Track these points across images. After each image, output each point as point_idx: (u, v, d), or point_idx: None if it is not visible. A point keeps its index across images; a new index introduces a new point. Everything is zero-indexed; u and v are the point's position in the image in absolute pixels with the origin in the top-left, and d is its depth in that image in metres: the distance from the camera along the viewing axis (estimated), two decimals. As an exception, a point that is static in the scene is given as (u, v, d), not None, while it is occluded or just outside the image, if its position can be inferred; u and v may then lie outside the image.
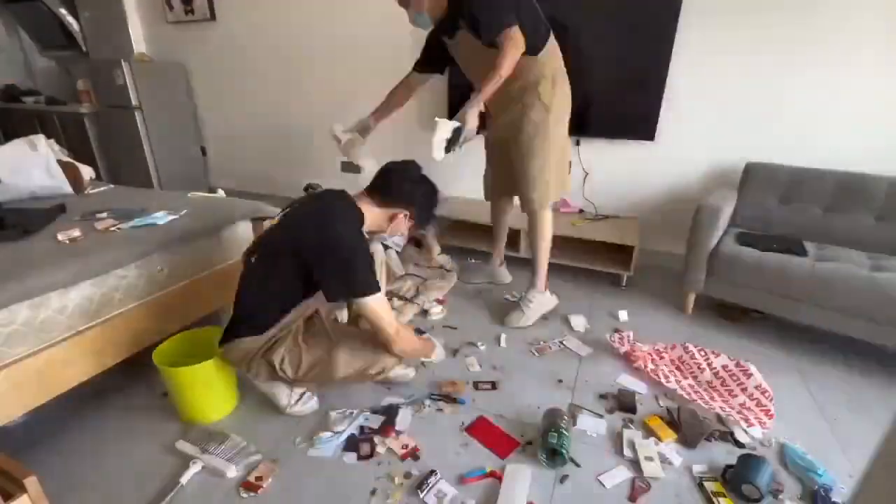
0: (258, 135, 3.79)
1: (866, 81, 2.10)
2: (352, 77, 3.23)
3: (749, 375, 1.64)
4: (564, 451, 1.32)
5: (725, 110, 2.38)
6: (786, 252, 1.94)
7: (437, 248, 2.67)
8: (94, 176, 2.35)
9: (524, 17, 1.66)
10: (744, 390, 1.62)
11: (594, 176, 2.77)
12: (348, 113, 3.33)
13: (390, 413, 1.53)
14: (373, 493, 1.27)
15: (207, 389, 1.51)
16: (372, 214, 1.43)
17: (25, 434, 1.47)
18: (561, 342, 1.97)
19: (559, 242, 2.73)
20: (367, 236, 1.43)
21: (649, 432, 1.48)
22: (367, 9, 2.99)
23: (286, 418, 1.54)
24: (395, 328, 1.37)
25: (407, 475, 1.32)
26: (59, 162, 2.09)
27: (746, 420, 1.50)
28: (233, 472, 1.32)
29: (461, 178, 3.11)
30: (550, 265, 2.15)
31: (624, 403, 1.60)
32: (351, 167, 2.01)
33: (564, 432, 1.36)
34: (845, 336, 1.85)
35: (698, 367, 1.74)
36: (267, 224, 2.04)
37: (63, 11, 3.88)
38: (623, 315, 2.17)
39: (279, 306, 1.39)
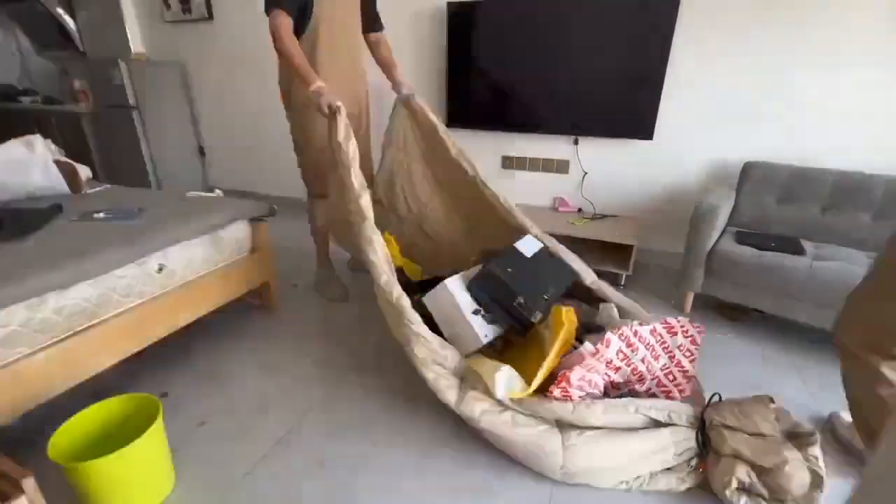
0: (257, 134, 3.78)
1: (865, 81, 2.10)
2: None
3: (674, 333, 1.47)
4: None
5: (724, 109, 2.38)
6: (784, 251, 1.94)
7: None
8: (91, 176, 2.34)
9: None
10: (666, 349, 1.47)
11: (593, 175, 2.77)
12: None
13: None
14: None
15: (141, 474, 1.22)
16: None
17: (23, 434, 1.46)
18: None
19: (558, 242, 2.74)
20: None
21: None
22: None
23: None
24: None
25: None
26: (57, 162, 2.08)
27: (667, 394, 1.46)
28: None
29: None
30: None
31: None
32: None
33: None
34: (843, 335, 1.85)
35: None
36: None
37: (60, 11, 3.86)
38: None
39: None
